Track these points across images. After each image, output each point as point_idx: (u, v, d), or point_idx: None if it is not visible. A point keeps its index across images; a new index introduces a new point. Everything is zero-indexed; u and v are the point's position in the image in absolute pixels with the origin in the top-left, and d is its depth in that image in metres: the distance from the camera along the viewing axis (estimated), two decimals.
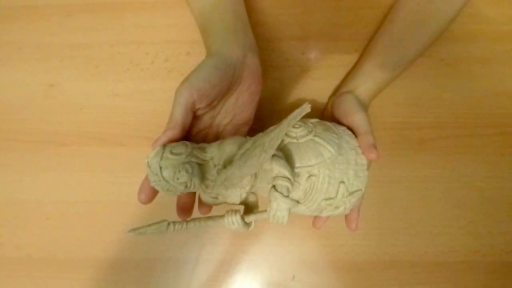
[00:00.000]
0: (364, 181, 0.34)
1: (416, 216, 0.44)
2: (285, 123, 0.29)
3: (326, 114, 0.44)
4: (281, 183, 0.30)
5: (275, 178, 0.31)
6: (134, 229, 0.29)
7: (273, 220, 0.31)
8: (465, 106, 0.46)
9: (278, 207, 0.30)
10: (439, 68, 0.47)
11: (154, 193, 0.32)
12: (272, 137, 0.29)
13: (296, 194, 0.33)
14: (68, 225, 0.45)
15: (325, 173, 0.32)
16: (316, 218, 0.39)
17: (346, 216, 0.37)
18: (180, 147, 0.31)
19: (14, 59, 0.50)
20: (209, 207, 0.35)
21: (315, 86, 0.47)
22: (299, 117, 0.30)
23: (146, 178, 0.32)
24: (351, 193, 0.33)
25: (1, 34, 0.51)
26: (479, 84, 0.47)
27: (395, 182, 0.45)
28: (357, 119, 0.36)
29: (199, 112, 0.35)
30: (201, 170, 0.31)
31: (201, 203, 0.35)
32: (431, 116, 0.46)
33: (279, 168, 0.30)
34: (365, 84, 0.42)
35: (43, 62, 0.50)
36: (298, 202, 0.33)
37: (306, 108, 0.30)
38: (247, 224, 0.32)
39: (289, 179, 0.30)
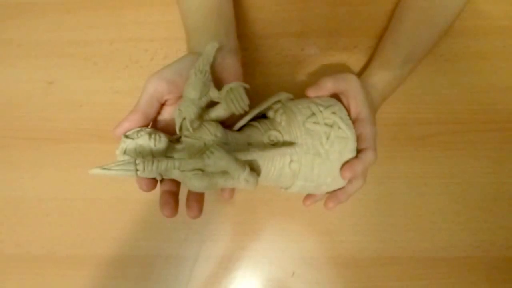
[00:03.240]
0: (331, 100, 0.36)
1: (416, 212, 0.44)
2: (204, 54, 0.33)
3: None
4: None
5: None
6: (99, 167, 0.29)
7: (236, 106, 0.32)
8: (464, 101, 0.46)
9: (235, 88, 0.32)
10: (438, 64, 0.47)
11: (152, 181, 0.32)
12: (199, 63, 0.33)
13: (281, 135, 0.34)
14: (68, 222, 0.45)
15: (290, 104, 0.35)
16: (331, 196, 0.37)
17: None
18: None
19: (13, 57, 0.50)
20: (198, 207, 0.33)
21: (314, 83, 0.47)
22: (212, 51, 0.33)
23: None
24: (327, 107, 0.34)
25: (0, 32, 0.51)
26: (479, 79, 0.47)
27: (394, 178, 0.45)
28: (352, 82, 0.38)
29: (169, 104, 0.35)
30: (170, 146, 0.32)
31: (189, 206, 0.33)
32: (430, 112, 0.46)
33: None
34: (374, 83, 0.42)
35: (42, 60, 0.50)
36: (293, 143, 0.33)
37: (215, 44, 0.34)
38: (240, 163, 0.30)
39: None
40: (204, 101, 0.33)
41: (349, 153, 0.34)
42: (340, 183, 0.35)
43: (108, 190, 0.46)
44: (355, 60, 0.48)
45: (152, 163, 0.29)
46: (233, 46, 0.40)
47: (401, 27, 0.44)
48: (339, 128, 0.33)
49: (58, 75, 0.49)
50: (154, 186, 0.33)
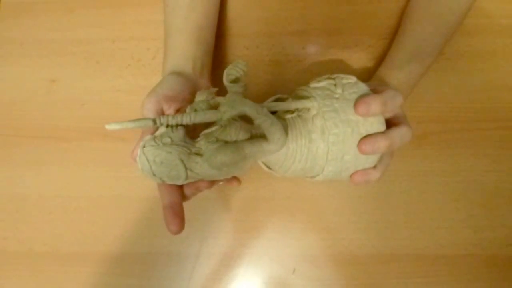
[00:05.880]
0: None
1: (416, 210, 0.44)
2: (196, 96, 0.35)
3: None
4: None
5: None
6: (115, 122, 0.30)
7: (236, 69, 0.33)
8: (465, 100, 0.46)
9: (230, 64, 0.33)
10: (439, 62, 0.47)
11: (181, 214, 0.32)
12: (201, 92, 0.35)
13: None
14: (71, 220, 0.46)
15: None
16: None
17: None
18: None
19: (16, 55, 0.51)
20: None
21: None
22: (210, 95, 0.34)
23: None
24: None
25: (3, 30, 0.52)
26: (480, 78, 0.47)
27: (395, 176, 0.45)
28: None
29: None
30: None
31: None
32: (431, 110, 0.46)
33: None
34: (381, 79, 0.42)
35: (44, 58, 0.50)
36: (309, 101, 0.33)
37: (212, 90, 0.35)
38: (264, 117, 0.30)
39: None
40: (212, 103, 0.34)
41: (366, 92, 0.33)
42: (375, 125, 0.32)
43: (111, 188, 0.46)
44: (356, 59, 0.48)
45: (174, 119, 0.31)
46: (207, 70, 0.42)
47: (405, 25, 0.45)
48: (342, 78, 0.34)
49: (60, 73, 0.50)
50: (182, 225, 0.31)
